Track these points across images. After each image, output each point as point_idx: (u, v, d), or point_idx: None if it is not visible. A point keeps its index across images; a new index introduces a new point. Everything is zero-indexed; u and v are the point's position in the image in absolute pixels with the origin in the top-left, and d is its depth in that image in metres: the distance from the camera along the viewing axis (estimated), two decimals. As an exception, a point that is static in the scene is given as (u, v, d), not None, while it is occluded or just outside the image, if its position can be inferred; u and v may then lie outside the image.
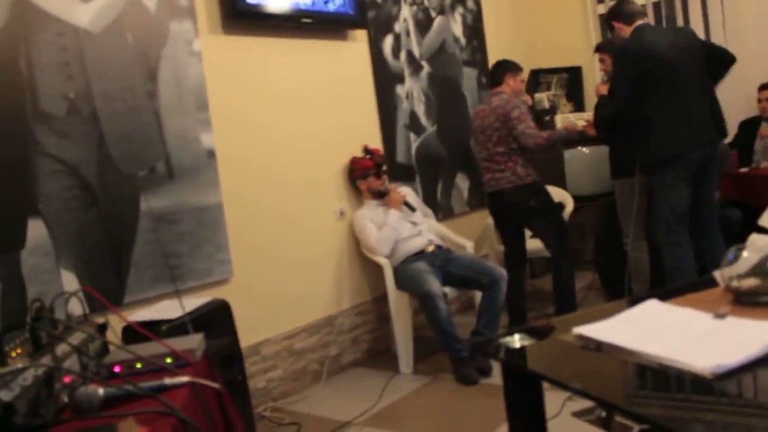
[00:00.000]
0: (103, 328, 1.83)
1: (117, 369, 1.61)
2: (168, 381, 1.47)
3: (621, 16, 3.68)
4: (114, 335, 1.93)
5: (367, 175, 3.99)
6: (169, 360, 1.63)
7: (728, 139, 4.92)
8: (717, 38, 5.04)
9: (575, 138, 4.20)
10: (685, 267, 3.49)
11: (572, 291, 4.04)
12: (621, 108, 3.59)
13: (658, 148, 3.47)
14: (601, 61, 4.29)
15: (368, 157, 4.03)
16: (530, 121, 3.95)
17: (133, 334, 1.96)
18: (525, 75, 5.52)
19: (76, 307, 1.87)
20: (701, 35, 5.17)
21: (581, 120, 5.01)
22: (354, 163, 4.03)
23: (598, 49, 4.33)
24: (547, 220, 4.04)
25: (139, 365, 1.62)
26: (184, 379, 1.48)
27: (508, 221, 4.17)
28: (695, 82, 3.53)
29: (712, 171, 3.60)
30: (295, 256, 3.72)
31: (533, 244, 4.30)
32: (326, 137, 3.97)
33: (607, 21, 3.84)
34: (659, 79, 3.44)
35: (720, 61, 3.67)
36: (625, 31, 3.64)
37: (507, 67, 4.16)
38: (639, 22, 3.62)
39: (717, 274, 1.62)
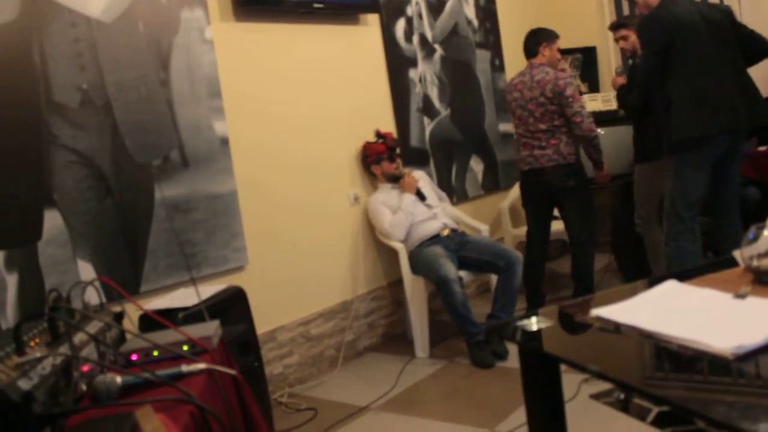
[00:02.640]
0: (119, 317, 1.84)
1: (134, 357, 1.61)
2: (185, 368, 1.47)
3: None
4: (131, 324, 1.94)
5: (381, 160, 3.97)
6: (185, 347, 1.63)
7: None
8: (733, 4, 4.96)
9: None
10: (686, 259, 3.35)
11: (591, 277, 4.02)
12: (646, 82, 3.41)
13: (678, 129, 3.29)
14: (623, 38, 4.09)
15: (380, 141, 4.01)
16: (583, 102, 3.86)
17: (150, 322, 1.97)
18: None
19: (92, 297, 1.88)
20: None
21: (596, 101, 4.96)
22: (367, 148, 4.01)
23: (619, 25, 4.15)
24: (579, 203, 3.95)
25: (156, 353, 1.62)
26: (201, 366, 1.49)
27: (542, 200, 4.05)
28: (726, 60, 3.33)
29: (737, 156, 3.43)
30: (310, 243, 3.73)
31: (553, 226, 4.26)
32: (339, 123, 3.96)
33: None
34: (686, 55, 3.27)
35: (753, 50, 3.45)
36: (653, 0, 3.43)
37: (542, 35, 4.01)
38: None
39: (737, 254, 1.60)
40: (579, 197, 3.95)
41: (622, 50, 4.19)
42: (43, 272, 2.62)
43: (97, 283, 1.83)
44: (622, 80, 3.85)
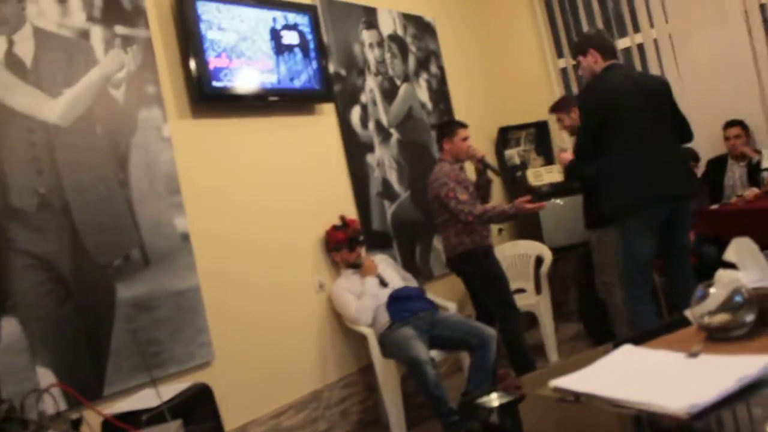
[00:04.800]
0: (77, 424, 1.79)
1: (92, 464, 1.57)
2: (144, 472, 1.43)
3: (601, 48, 3.47)
4: (89, 430, 1.89)
5: (340, 248, 4.00)
6: (145, 450, 1.59)
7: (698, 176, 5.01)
8: (672, 79, 5.19)
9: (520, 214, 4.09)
10: (645, 321, 3.35)
11: (523, 352, 4.02)
12: (580, 156, 3.57)
13: (621, 197, 3.36)
14: (559, 120, 4.33)
15: (341, 229, 4.04)
16: (461, 194, 3.99)
17: (113, 427, 1.92)
18: (494, 134, 5.66)
19: (55, 404, 1.84)
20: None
21: (551, 173, 5.09)
22: (328, 235, 4.05)
23: (552, 110, 4.40)
24: (484, 285, 4.08)
25: (114, 458, 1.58)
26: (160, 468, 1.45)
27: (464, 284, 4.26)
28: (661, 131, 3.42)
29: (682, 219, 3.47)
30: (277, 333, 3.68)
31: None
32: (301, 211, 3.99)
33: (578, 48, 3.58)
34: (617, 129, 3.34)
35: (679, 132, 3.55)
36: (599, 64, 3.46)
37: (443, 131, 4.26)
38: (613, 61, 3.49)
39: (688, 313, 1.63)
40: (482, 281, 4.08)
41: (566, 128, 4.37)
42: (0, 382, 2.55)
43: (56, 391, 1.80)
44: (568, 156, 3.97)
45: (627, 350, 1.54)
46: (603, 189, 3.46)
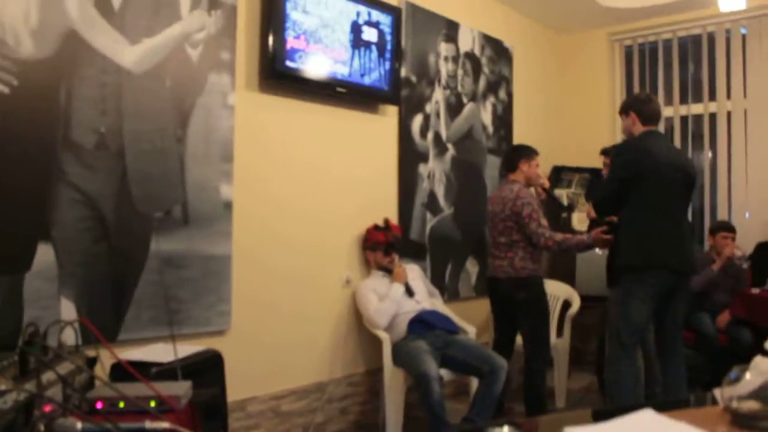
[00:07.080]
0: (92, 362, 1.81)
1: (99, 405, 1.59)
2: (148, 425, 1.44)
3: (641, 113, 3.57)
4: (102, 370, 1.91)
5: (376, 249, 4.00)
6: (153, 403, 1.61)
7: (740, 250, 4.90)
8: (737, 155, 5.12)
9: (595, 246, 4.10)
10: (623, 383, 3.41)
11: (542, 394, 3.95)
12: (603, 206, 3.70)
13: (630, 256, 3.45)
14: (605, 165, 4.34)
15: (382, 231, 4.04)
16: (542, 218, 3.92)
17: (122, 372, 1.94)
18: (547, 171, 5.61)
19: (69, 337, 1.86)
20: (724, 156, 5.25)
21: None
22: (368, 232, 4.05)
23: (604, 152, 4.42)
24: (530, 317, 3.97)
25: (121, 404, 1.59)
26: (165, 425, 1.45)
27: (500, 310, 4.15)
28: (680, 206, 3.59)
29: (680, 294, 3.55)
30: (295, 319, 3.70)
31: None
32: (344, 206, 4.00)
33: (622, 107, 3.71)
34: (651, 189, 3.42)
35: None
36: (637, 127, 3.57)
37: (521, 153, 4.16)
38: (652, 127, 3.58)
39: (717, 392, 1.59)
40: (530, 312, 3.96)
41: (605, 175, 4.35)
42: (24, 303, 2.60)
43: (76, 324, 1.82)
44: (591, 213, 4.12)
45: (648, 415, 1.50)
46: (618, 243, 3.55)
